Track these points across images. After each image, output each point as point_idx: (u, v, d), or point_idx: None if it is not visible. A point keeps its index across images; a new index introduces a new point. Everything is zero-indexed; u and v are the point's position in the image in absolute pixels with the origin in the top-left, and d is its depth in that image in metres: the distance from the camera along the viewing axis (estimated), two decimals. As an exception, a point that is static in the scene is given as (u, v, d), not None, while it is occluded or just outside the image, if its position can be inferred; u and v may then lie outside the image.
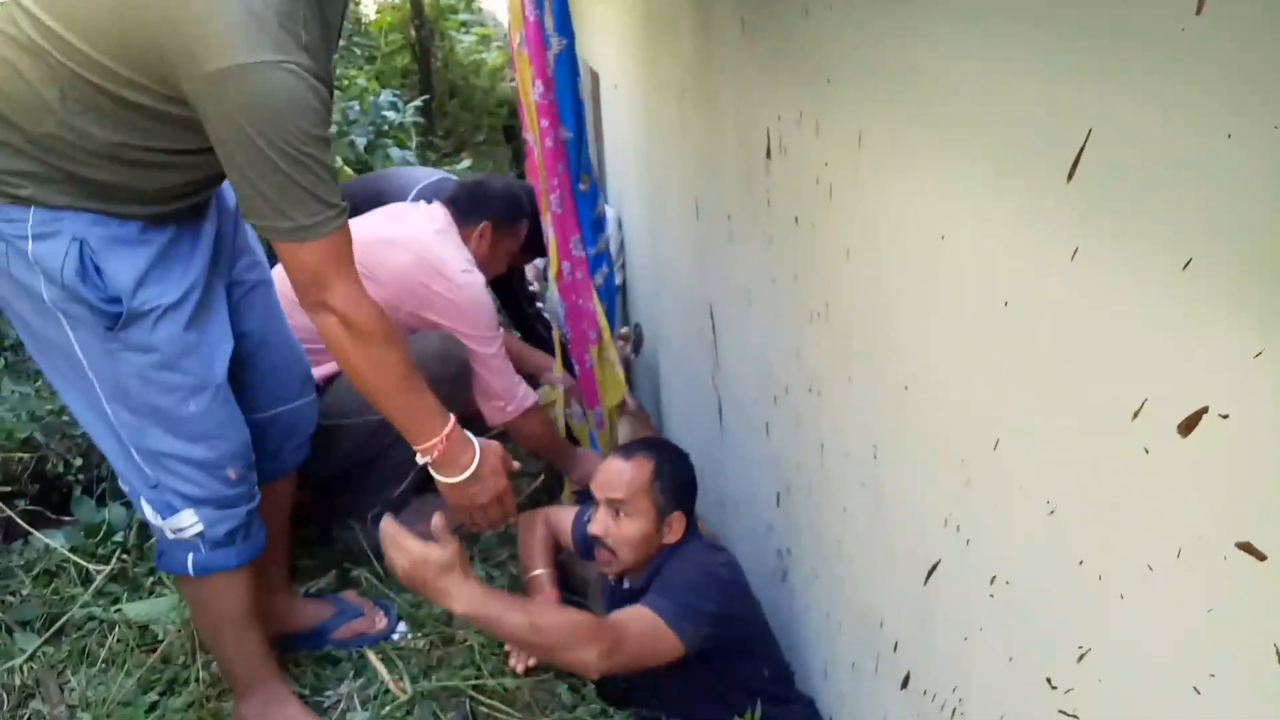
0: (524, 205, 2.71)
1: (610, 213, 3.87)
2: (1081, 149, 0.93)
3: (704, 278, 2.60)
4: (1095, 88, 0.91)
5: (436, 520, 1.63)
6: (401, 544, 1.61)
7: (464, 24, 7.64)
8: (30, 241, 1.44)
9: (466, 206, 2.59)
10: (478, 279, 2.41)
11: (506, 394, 2.48)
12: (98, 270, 1.47)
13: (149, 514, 1.66)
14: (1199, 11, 0.77)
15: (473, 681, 1.98)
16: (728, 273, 2.33)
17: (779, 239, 1.89)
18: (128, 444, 1.61)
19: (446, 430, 1.62)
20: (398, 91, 5.36)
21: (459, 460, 1.66)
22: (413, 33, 7.08)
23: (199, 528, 1.65)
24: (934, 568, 1.38)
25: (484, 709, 1.94)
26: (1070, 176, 0.95)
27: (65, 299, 1.48)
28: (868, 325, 1.52)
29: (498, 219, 2.62)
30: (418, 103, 5.42)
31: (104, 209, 1.47)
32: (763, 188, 1.93)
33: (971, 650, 1.30)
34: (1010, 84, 1.04)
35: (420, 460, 1.64)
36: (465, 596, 1.61)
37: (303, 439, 1.95)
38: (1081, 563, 1.01)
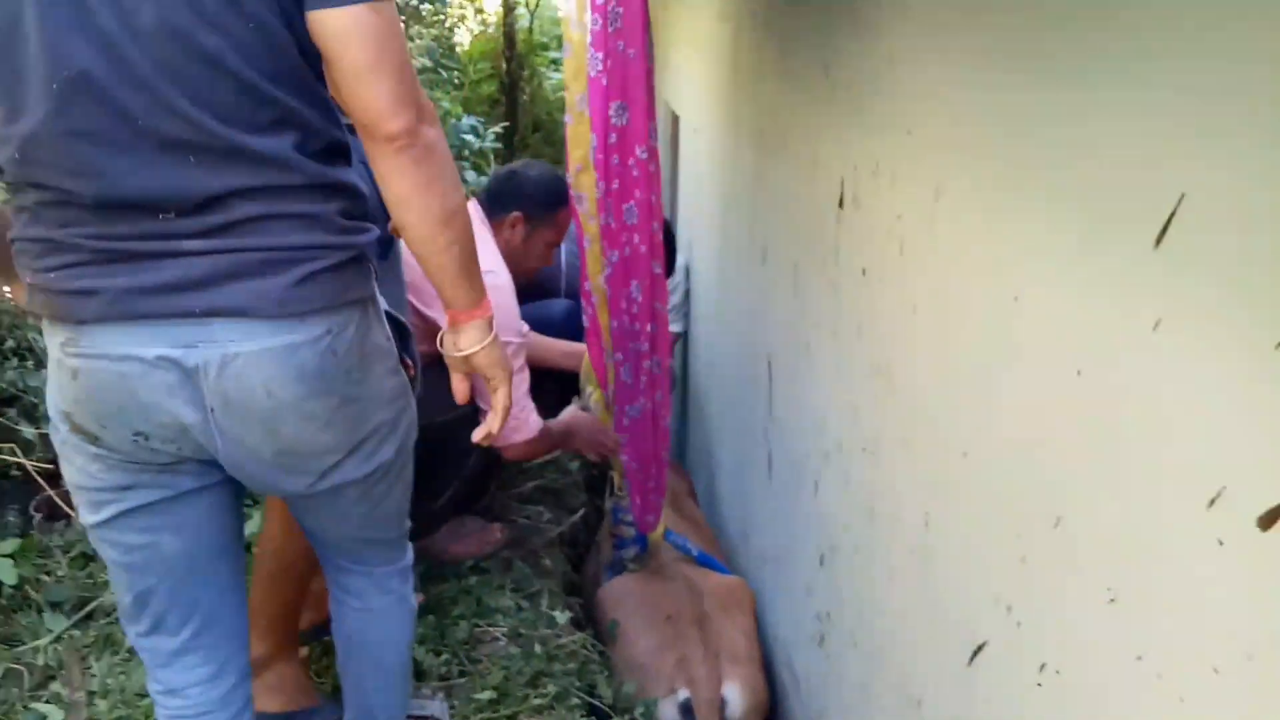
0: (561, 193, 2.48)
1: (680, 260, 3.83)
2: (1173, 214, 0.87)
3: (765, 326, 2.55)
4: (1192, 150, 0.85)
5: None
6: None
7: (554, 61, 7.75)
8: None
9: (497, 197, 2.46)
10: (501, 280, 2.22)
11: (515, 417, 2.22)
12: None
13: None
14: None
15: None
16: (789, 323, 2.28)
17: (845, 291, 1.84)
18: None
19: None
20: (480, 118, 5.42)
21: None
22: (503, 64, 7.20)
23: None
24: (980, 648, 1.30)
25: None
26: (1158, 242, 0.89)
27: None
28: (930, 385, 1.46)
29: (530, 207, 2.45)
30: (498, 129, 5.46)
31: None
32: (832, 237, 1.88)
33: (1012, 740, 1.22)
34: (1102, 143, 0.99)
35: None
36: None
37: None
38: (1140, 658, 0.94)
